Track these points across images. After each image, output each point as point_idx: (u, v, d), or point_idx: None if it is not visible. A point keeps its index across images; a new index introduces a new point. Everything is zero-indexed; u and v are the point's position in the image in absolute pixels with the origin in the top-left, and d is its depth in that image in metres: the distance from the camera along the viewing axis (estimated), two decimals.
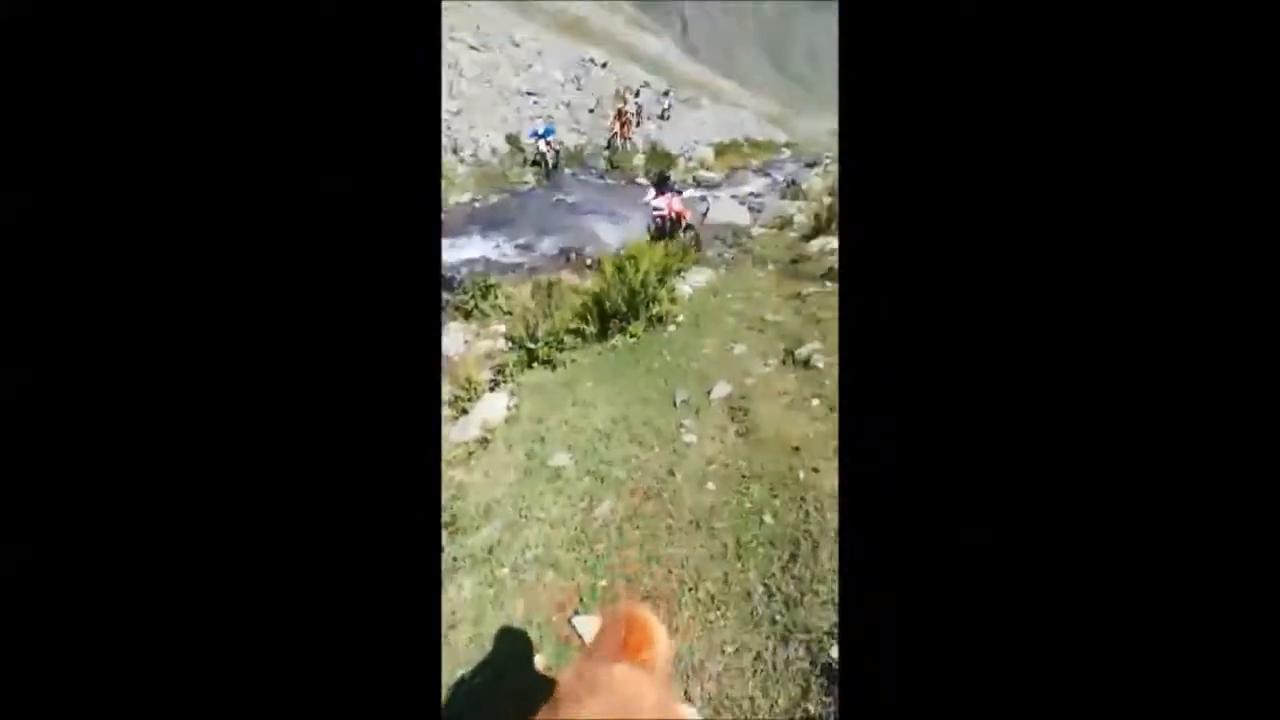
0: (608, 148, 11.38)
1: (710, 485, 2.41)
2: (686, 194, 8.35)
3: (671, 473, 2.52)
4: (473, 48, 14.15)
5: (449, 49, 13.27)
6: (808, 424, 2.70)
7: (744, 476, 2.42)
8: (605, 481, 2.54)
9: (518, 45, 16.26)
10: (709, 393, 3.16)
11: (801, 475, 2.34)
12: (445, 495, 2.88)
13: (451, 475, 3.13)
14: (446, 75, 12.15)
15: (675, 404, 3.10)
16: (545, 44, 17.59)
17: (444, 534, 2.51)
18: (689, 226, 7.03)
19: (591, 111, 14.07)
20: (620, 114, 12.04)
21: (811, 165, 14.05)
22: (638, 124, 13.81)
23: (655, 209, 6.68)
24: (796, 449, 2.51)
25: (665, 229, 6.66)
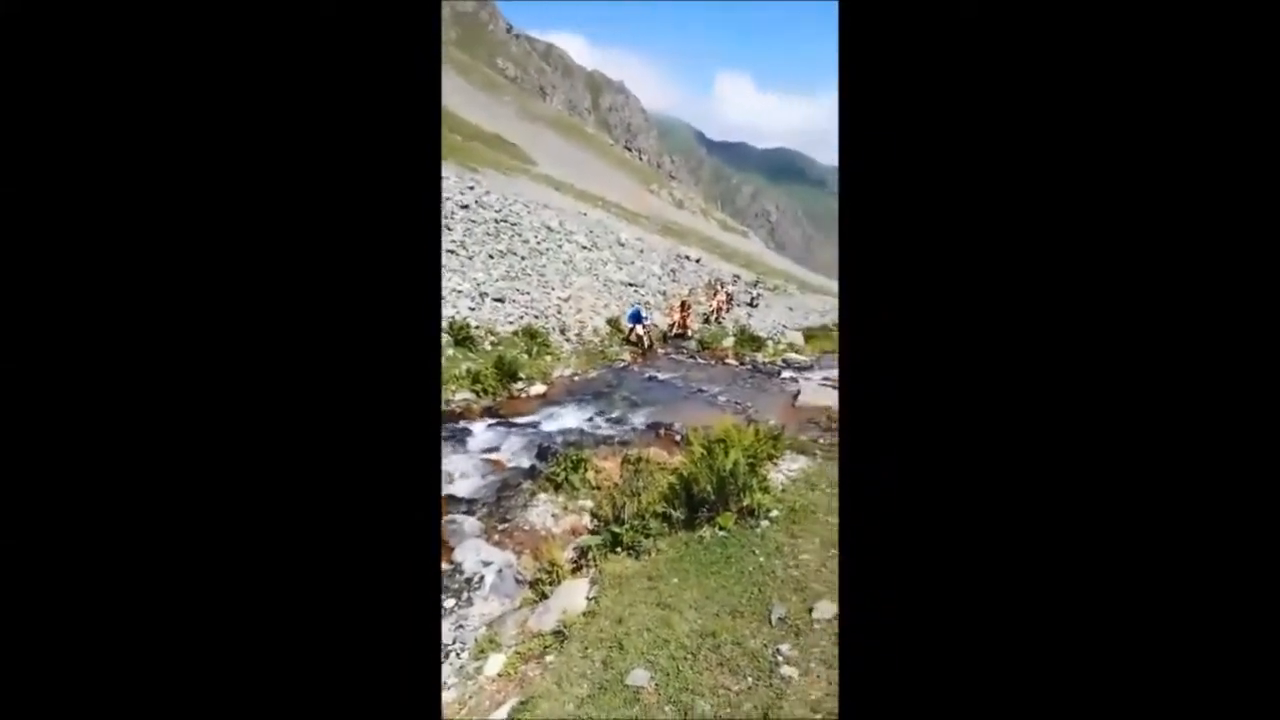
0: (665, 338, 12.06)
1: None
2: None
3: (767, 718, 2.15)
4: (585, 248, 16.64)
5: (566, 249, 15.70)
6: None
7: None
8: (688, 717, 2.21)
9: (623, 244, 18.93)
10: (811, 611, 2.81)
11: None
12: (512, 702, 2.63)
13: (524, 670, 2.90)
14: (561, 270, 14.18)
15: (771, 621, 2.77)
16: (647, 244, 20.31)
17: None
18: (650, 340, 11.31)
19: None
20: (684, 305, 12.96)
21: None
22: (728, 310, 14.88)
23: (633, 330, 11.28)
24: None
25: (640, 344, 11.13)
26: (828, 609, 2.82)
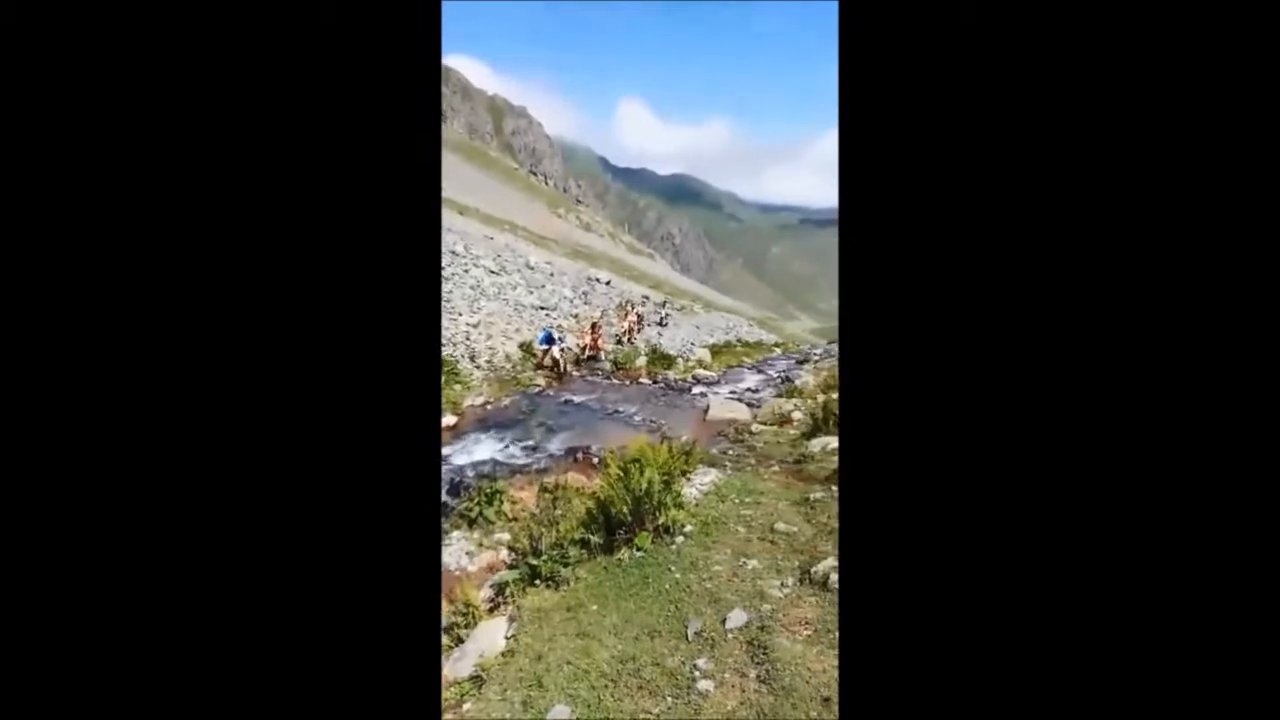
0: (579, 360, 12.06)
1: None
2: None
3: None
4: (493, 272, 16.30)
5: (473, 273, 15.29)
6: (835, 665, 2.45)
7: None
8: None
9: (532, 268, 18.77)
10: (724, 622, 2.93)
11: None
12: None
13: None
14: (468, 295, 13.77)
15: (688, 637, 2.85)
16: (556, 267, 20.28)
17: None
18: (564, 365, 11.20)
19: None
20: (594, 326, 13.07)
21: (803, 362, 15.02)
22: (640, 330, 15.18)
23: (547, 353, 11.00)
24: (827, 699, 2.24)
25: (554, 368, 10.85)
26: (739, 618, 2.95)
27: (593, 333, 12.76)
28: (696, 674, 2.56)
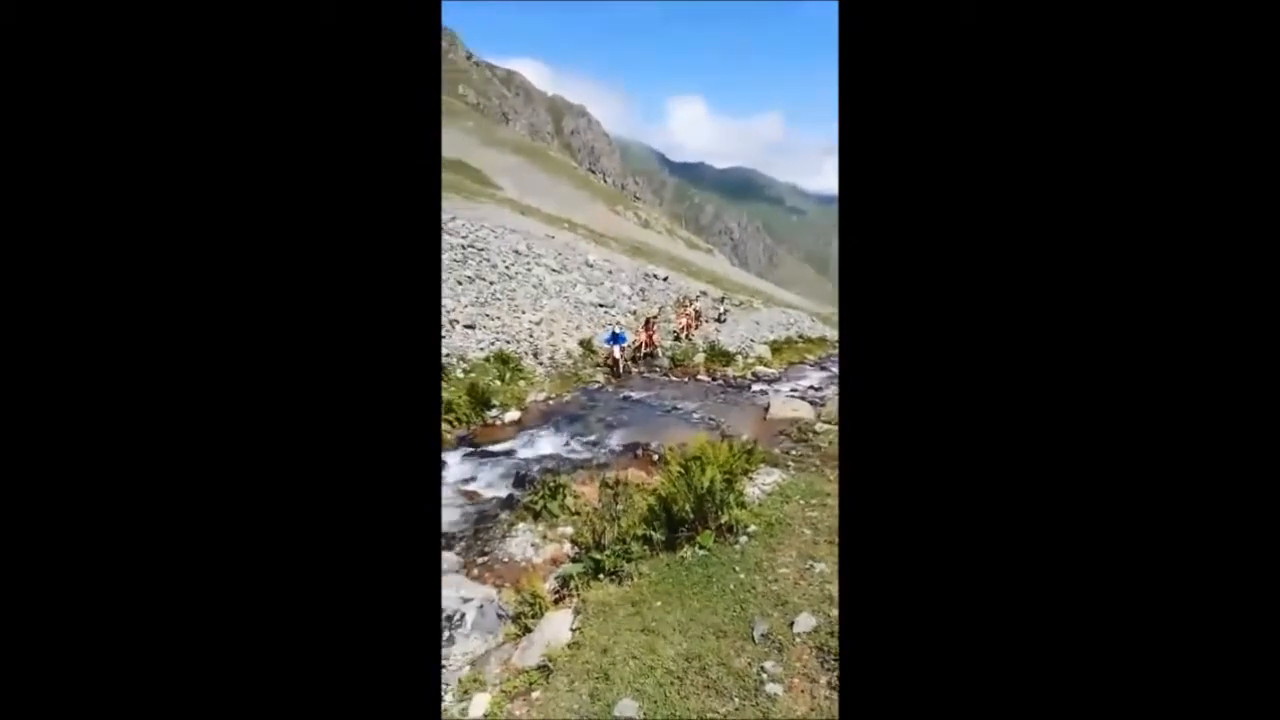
0: (633, 358, 11.96)
1: None
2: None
3: None
4: (554, 270, 16.68)
5: (535, 272, 15.72)
6: None
7: None
8: None
9: (591, 266, 19.05)
10: (791, 625, 2.87)
11: None
12: None
13: (510, 709, 2.86)
14: (531, 293, 14.17)
15: (755, 639, 2.81)
16: (615, 264, 20.47)
17: None
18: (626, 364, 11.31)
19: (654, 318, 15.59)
20: (648, 323, 12.92)
21: None
22: (698, 326, 15.09)
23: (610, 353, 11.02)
24: None
25: (615, 366, 11.06)
26: (808, 622, 2.88)
27: (646, 329, 12.75)
28: (764, 677, 2.52)
